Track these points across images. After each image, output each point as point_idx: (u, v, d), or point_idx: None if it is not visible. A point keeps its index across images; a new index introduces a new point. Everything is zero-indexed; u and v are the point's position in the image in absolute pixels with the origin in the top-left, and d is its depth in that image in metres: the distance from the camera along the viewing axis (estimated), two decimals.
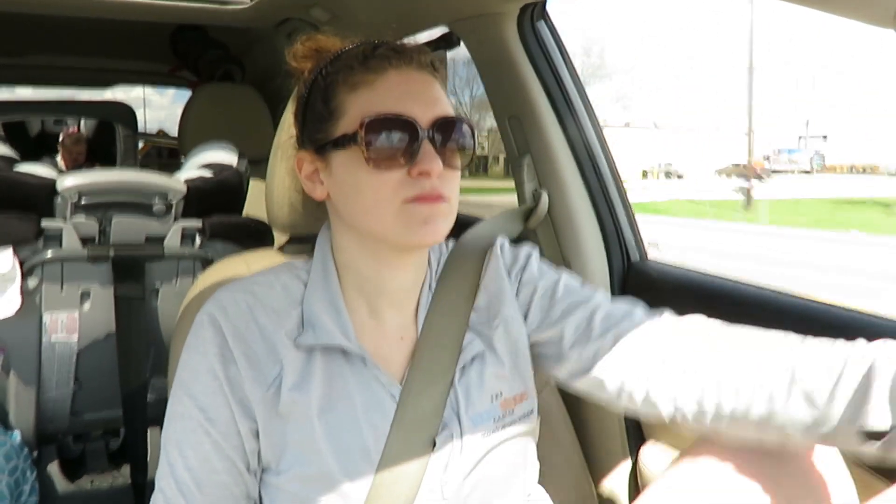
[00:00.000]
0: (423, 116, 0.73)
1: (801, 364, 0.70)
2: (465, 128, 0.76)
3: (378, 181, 0.72)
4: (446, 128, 0.74)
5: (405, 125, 0.72)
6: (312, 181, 0.80)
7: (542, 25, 1.35)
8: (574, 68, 1.37)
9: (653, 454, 1.20)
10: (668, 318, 0.83)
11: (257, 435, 0.75)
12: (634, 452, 1.24)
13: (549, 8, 1.34)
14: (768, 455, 0.73)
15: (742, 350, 0.75)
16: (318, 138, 0.77)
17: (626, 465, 1.25)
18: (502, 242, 0.91)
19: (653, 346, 0.79)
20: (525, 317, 0.86)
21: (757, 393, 0.71)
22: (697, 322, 0.82)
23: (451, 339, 0.81)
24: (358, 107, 0.74)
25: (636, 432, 1.25)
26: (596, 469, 1.24)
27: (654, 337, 0.80)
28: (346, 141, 0.74)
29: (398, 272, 0.80)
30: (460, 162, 0.76)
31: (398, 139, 0.72)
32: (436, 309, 0.82)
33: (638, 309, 0.84)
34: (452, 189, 0.76)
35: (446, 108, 0.76)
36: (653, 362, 0.78)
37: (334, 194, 0.78)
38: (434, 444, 0.76)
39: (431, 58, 0.78)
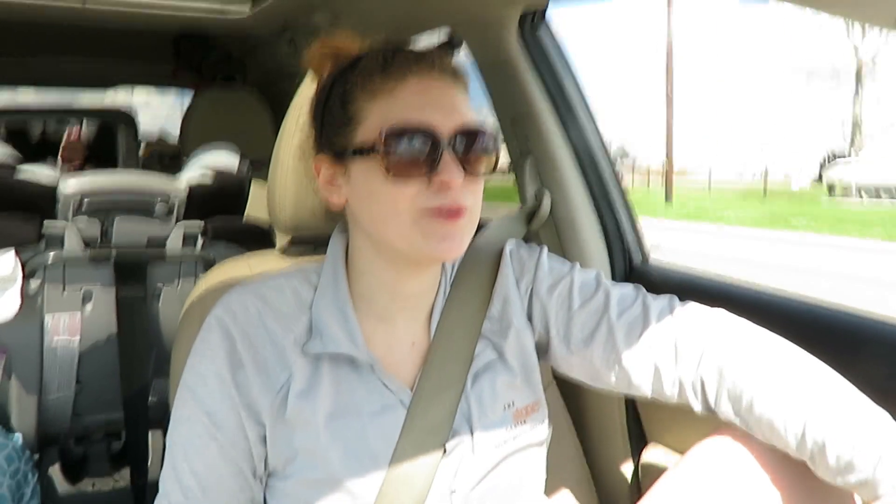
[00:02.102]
0: (445, 125, 0.71)
1: (815, 415, 0.69)
2: (488, 134, 0.75)
3: (397, 191, 0.71)
4: (468, 136, 0.73)
5: (426, 135, 0.70)
6: (330, 186, 0.78)
7: (543, 30, 1.35)
8: (575, 72, 1.37)
9: (655, 456, 1.20)
10: (682, 306, 0.83)
11: (264, 441, 0.74)
12: (637, 455, 1.24)
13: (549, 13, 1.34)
14: (772, 455, 0.73)
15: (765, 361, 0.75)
16: (336, 143, 0.76)
17: (628, 468, 1.25)
18: (511, 248, 0.90)
19: (666, 334, 0.80)
20: (543, 331, 0.86)
21: (761, 396, 0.72)
22: (715, 314, 0.82)
23: (464, 347, 0.80)
24: (377, 115, 0.72)
25: (638, 434, 1.25)
26: (598, 471, 1.24)
27: (672, 324, 0.81)
28: (365, 150, 0.72)
29: (414, 280, 0.79)
30: (484, 169, 0.75)
31: (418, 150, 0.70)
32: (449, 316, 0.81)
33: (649, 299, 0.85)
34: (475, 197, 0.75)
35: (468, 115, 0.75)
36: (666, 350, 0.80)
37: (352, 201, 0.77)
38: (444, 452, 0.75)
39: (452, 63, 0.77)
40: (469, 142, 0.73)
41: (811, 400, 0.70)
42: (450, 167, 0.70)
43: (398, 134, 0.70)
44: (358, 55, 0.78)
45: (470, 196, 0.73)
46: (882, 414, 0.69)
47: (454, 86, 0.76)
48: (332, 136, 0.76)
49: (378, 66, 0.74)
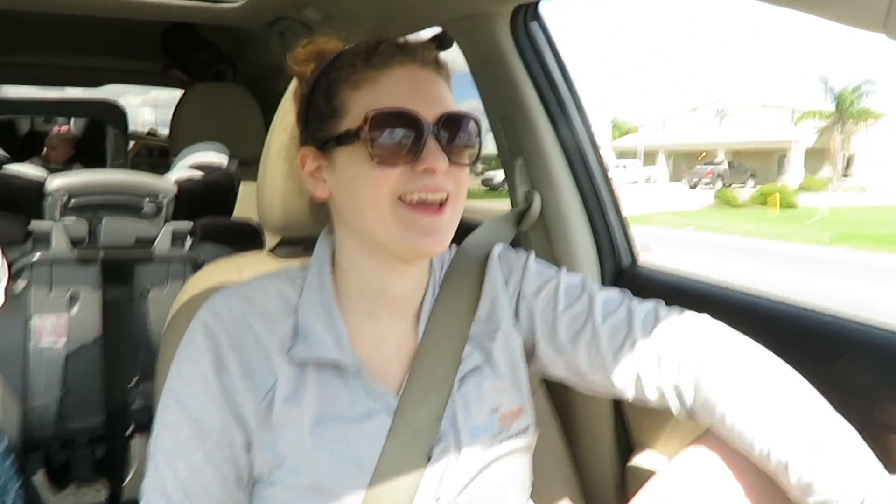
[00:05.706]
0: (429, 113, 0.72)
1: (782, 434, 0.70)
2: (472, 124, 0.75)
3: (380, 177, 0.71)
4: (452, 124, 0.73)
5: (410, 121, 0.71)
6: (315, 179, 0.78)
7: (535, 26, 1.34)
8: (567, 70, 1.36)
9: (642, 462, 1.20)
10: (666, 312, 0.84)
11: (249, 448, 0.73)
12: (624, 461, 1.23)
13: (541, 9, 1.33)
14: (755, 464, 0.73)
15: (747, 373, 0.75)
16: (320, 136, 0.76)
17: (615, 473, 1.25)
18: (499, 251, 0.90)
19: (649, 340, 0.80)
20: (530, 333, 0.86)
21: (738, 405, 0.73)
22: (700, 320, 0.82)
23: (452, 350, 0.80)
24: (361, 104, 0.73)
25: (626, 440, 1.24)
26: (585, 477, 1.23)
27: (654, 331, 0.81)
28: (349, 137, 0.72)
29: (400, 277, 0.79)
30: (468, 158, 0.75)
31: (403, 135, 0.71)
32: (437, 317, 0.81)
33: (634, 303, 0.85)
34: (458, 186, 0.75)
35: (451, 104, 0.75)
36: (650, 356, 0.80)
37: (336, 192, 0.77)
38: (430, 457, 0.74)
39: (435, 54, 0.77)
40: (453, 130, 0.73)
41: (780, 418, 0.70)
42: (434, 154, 0.71)
43: (382, 118, 0.71)
44: (341, 51, 0.78)
45: (453, 183, 0.74)
46: (850, 435, 0.69)
47: (437, 76, 0.76)
48: (317, 131, 0.77)
49: (361, 58, 0.74)
